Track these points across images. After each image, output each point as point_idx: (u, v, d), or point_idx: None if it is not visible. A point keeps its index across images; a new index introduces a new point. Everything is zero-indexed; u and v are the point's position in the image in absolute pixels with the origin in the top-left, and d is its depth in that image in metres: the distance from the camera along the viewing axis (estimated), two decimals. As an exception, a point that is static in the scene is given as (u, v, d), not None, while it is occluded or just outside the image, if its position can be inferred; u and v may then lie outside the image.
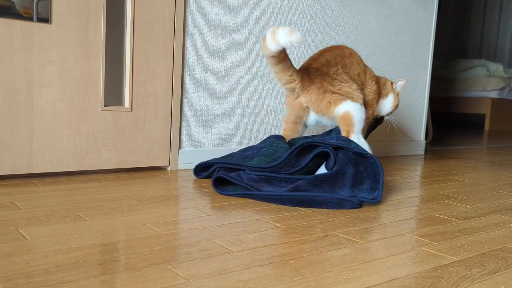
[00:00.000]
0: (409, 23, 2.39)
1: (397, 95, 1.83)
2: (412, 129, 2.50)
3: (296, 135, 1.68)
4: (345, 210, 1.24)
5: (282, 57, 1.49)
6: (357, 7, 2.17)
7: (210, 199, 1.29)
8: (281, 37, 1.39)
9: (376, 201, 1.32)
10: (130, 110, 1.58)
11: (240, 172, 1.43)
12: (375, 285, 0.77)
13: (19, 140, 1.40)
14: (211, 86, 1.77)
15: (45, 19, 1.40)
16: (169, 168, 1.70)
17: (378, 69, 2.28)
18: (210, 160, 1.56)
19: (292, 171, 1.40)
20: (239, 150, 1.61)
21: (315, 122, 1.66)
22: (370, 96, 1.75)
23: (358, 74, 1.71)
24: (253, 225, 1.07)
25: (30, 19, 1.37)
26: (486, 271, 0.86)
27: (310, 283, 0.77)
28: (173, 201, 1.25)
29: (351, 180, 1.35)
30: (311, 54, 2.02)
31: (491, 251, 0.98)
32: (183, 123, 1.71)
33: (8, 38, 1.35)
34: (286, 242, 0.96)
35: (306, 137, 1.67)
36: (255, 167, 1.41)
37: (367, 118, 1.72)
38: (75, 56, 1.46)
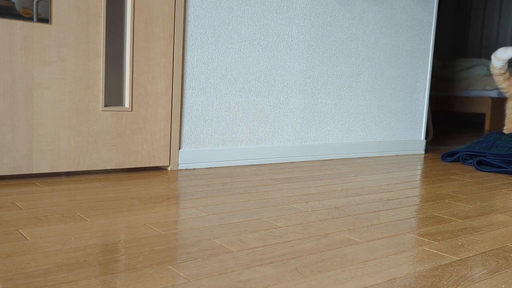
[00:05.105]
0: (409, 22, 2.39)
1: None
2: (412, 129, 2.50)
3: None
4: (345, 210, 1.25)
5: (507, 76, 2.12)
6: (357, 7, 2.17)
7: (210, 199, 1.29)
8: (499, 54, 1.91)
9: None
10: (130, 110, 1.58)
11: (483, 158, 2.02)
12: (376, 284, 0.77)
13: (19, 140, 1.40)
14: (211, 86, 1.77)
15: (45, 19, 1.40)
16: (169, 168, 1.70)
17: (378, 69, 2.28)
18: (454, 149, 2.21)
19: None
20: (472, 143, 2.23)
21: None
22: None
23: None
24: (253, 225, 1.07)
25: (30, 19, 1.37)
26: (486, 270, 0.86)
27: (310, 282, 0.77)
28: (173, 201, 1.25)
29: None
30: (311, 53, 2.02)
31: (491, 250, 0.98)
32: (183, 123, 1.71)
33: (8, 38, 1.35)
34: (287, 242, 0.96)
35: None
36: (497, 154, 1.99)
37: None
38: (75, 56, 1.46)
